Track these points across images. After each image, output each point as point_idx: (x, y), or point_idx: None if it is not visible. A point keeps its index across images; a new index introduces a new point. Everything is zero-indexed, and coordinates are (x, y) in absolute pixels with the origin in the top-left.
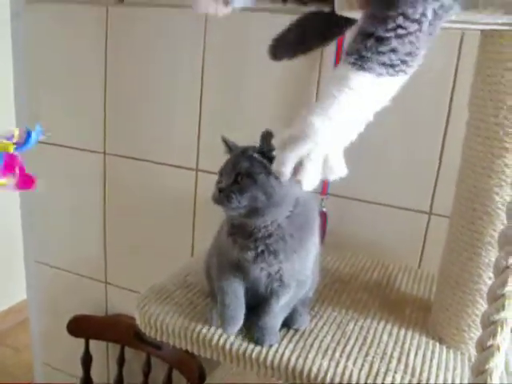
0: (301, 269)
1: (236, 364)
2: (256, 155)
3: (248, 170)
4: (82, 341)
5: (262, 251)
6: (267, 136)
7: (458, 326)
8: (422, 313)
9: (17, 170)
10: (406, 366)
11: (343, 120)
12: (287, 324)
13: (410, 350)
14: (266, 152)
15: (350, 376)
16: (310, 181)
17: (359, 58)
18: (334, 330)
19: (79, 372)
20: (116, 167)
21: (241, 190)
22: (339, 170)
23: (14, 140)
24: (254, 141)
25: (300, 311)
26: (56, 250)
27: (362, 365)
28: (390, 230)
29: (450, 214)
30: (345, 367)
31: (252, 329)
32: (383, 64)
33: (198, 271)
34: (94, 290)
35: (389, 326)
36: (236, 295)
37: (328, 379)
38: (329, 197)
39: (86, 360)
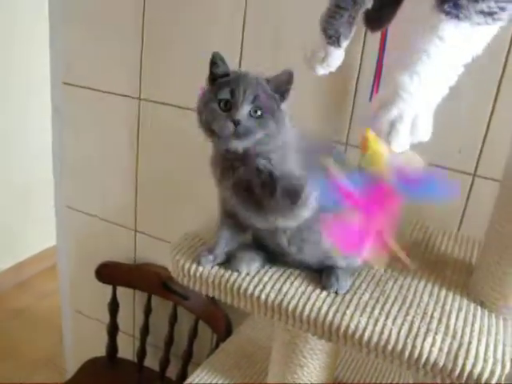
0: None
1: (270, 316)
2: (270, 90)
3: (269, 105)
4: (109, 288)
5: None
6: (290, 76)
7: (501, 291)
8: (464, 275)
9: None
10: (447, 327)
11: (433, 75)
12: (324, 287)
13: (451, 311)
14: (282, 90)
15: (389, 335)
16: (401, 143)
17: (454, 6)
18: (373, 287)
19: (106, 319)
20: (150, 113)
21: (261, 127)
22: (425, 133)
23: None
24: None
25: (338, 275)
26: (87, 196)
27: (402, 324)
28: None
29: (503, 175)
30: (384, 326)
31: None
32: (481, 12)
33: None
34: (124, 237)
35: (429, 286)
36: (222, 232)
37: (366, 337)
38: None
39: (113, 307)
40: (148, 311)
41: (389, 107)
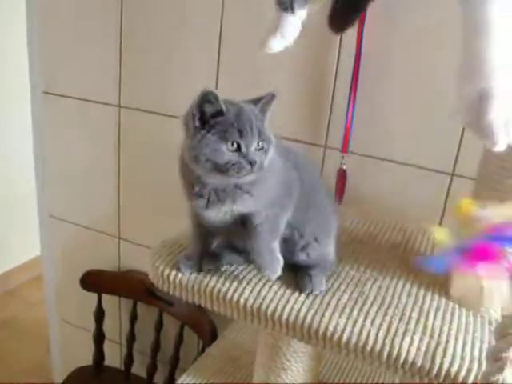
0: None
1: (250, 321)
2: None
3: (269, 136)
4: (95, 296)
5: (213, 200)
6: (273, 98)
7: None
8: (442, 275)
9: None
10: (425, 327)
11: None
12: (300, 289)
13: (429, 311)
14: (265, 110)
15: (368, 336)
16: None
17: None
18: (352, 288)
19: (92, 327)
20: (130, 121)
21: (266, 158)
22: None
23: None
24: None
25: (312, 275)
26: (70, 205)
27: (381, 324)
28: (411, 190)
29: (477, 174)
30: (362, 326)
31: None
32: None
33: None
34: (108, 245)
35: (408, 286)
36: (196, 241)
37: (344, 338)
38: (350, 154)
39: (99, 315)
40: (134, 318)
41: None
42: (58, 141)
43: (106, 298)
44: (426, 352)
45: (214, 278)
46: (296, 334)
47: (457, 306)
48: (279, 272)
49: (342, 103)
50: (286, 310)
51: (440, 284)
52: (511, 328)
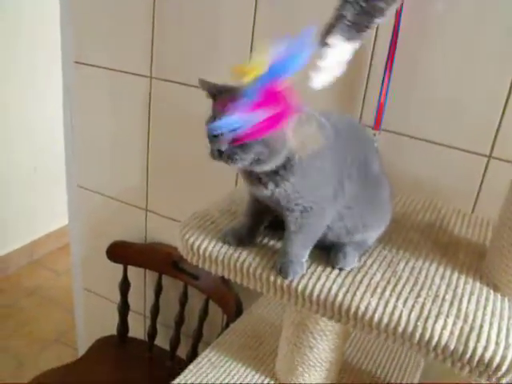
0: (299, 194)
1: (279, 297)
2: None
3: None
4: (120, 267)
5: (255, 181)
6: None
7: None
8: (476, 258)
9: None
10: (459, 310)
11: None
12: (331, 263)
13: (463, 295)
14: None
15: (400, 317)
16: None
17: None
18: (385, 268)
19: (117, 298)
20: (162, 92)
21: (244, 150)
22: None
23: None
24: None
25: (346, 252)
26: (98, 176)
27: (413, 306)
28: (445, 171)
29: None
30: (394, 307)
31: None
32: None
33: (243, 199)
34: (135, 217)
35: (441, 269)
36: (249, 215)
37: (376, 318)
38: (381, 132)
39: (124, 286)
40: (159, 290)
41: None
42: (88, 111)
43: (131, 269)
44: (459, 336)
45: (245, 253)
46: (326, 312)
47: (491, 291)
48: (296, 277)
49: (377, 79)
50: (317, 287)
51: (475, 268)
52: None
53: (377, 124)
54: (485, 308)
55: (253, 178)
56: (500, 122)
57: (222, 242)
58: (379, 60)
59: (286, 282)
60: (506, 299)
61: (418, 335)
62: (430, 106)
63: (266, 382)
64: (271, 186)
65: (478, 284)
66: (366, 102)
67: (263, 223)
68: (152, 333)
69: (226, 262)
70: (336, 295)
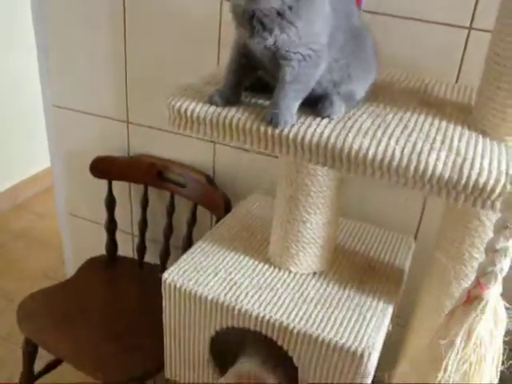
0: (300, 41)
1: (271, 148)
2: None
3: None
4: (105, 187)
5: (258, 29)
6: None
7: (503, 117)
8: (463, 114)
9: None
10: (451, 147)
11: None
12: (318, 113)
13: (453, 136)
14: None
15: (393, 153)
16: None
17: None
18: (374, 117)
19: (103, 218)
20: None
21: None
22: None
23: None
24: None
25: (332, 100)
26: (75, 94)
27: (405, 144)
28: (426, 46)
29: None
30: (387, 145)
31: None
32: None
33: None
34: (116, 130)
35: (430, 119)
36: (233, 71)
37: (370, 156)
38: (362, 12)
39: (110, 202)
40: (145, 204)
41: None
42: (61, 24)
43: (116, 186)
44: (453, 166)
45: (233, 110)
46: (319, 157)
47: (480, 136)
48: (286, 127)
49: None
50: (309, 133)
51: (462, 120)
52: (510, 222)
53: (357, 2)
54: (475, 147)
55: (256, 24)
56: None
57: (209, 103)
58: None
59: (277, 131)
60: (495, 142)
61: (412, 168)
62: None
63: (259, 266)
64: (277, 31)
65: (466, 131)
66: None
67: (246, 82)
68: (141, 249)
69: (214, 122)
70: (328, 138)
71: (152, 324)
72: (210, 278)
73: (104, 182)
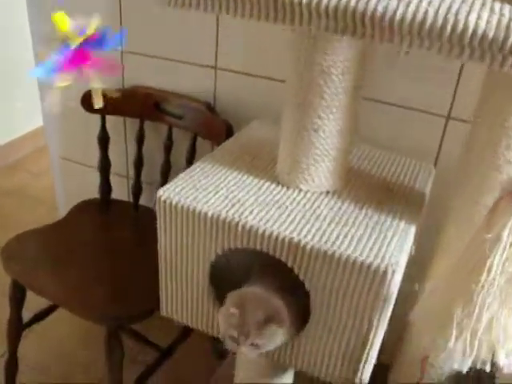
0: None
1: (282, 17)
2: None
3: None
4: (97, 124)
5: None
6: None
7: None
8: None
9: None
10: (493, 9)
11: None
12: None
13: (494, 2)
14: None
15: (425, 14)
16: None
17: None
18: None
19: (96, 161)
20: None
21: None
22: None
23: (85, 36)
24: None
25: None
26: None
27: (439, 5)
28: (406, 133)
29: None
30: (417, 7)
31: None
32: None
33: None
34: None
35: None
36: None
37: (397, 18)
38: None
39: (103, 139)
40: (141, 139)
41: None
42: None
43: (110, 123)
44: (498, 24)
45: None
46: (338, 23)
47: None
48: None
49: None
50: None
51: None
52: None
53: None
54: None
55: None
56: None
57: None
58: None
59: None
60: None
61: (449, 28)
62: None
63: (266, 185)
64: None
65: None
66: None
67: None
68: (137, 191)
69: None
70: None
71: (146, 267)
72: (211, 195)
73: (97, 119)
